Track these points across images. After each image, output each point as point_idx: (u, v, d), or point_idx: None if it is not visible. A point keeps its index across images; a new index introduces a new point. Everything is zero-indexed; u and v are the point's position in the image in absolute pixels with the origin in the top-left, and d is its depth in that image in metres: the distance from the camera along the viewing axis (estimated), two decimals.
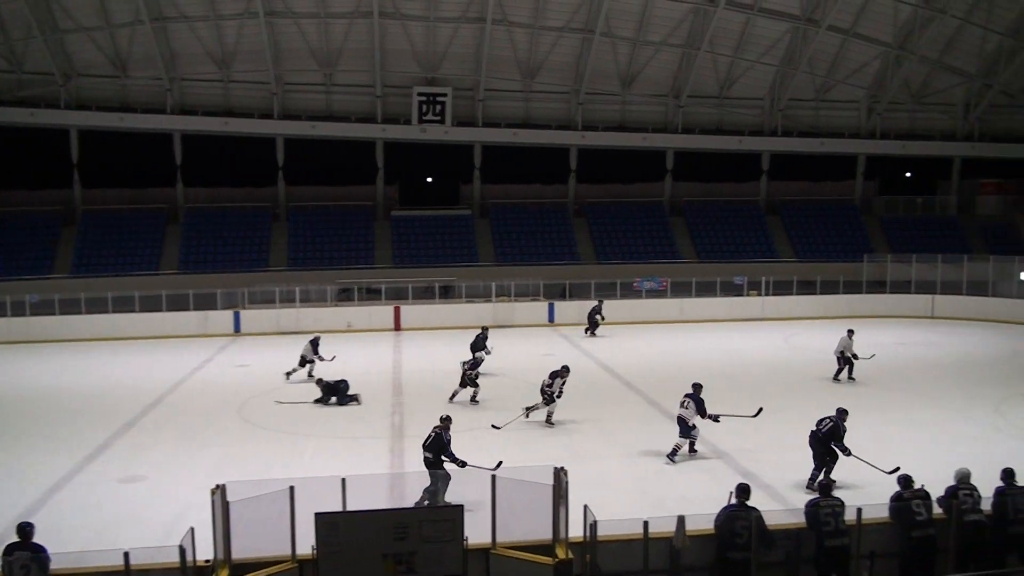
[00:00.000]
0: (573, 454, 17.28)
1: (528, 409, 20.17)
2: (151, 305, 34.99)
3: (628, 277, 39.61)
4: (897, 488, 11.09)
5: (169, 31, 40.82)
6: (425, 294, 38.37)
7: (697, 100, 46.19)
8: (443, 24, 41.70)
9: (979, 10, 42.28)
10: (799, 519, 10.77)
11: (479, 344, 26.74)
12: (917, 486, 11.01)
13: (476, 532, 9.90)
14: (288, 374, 25.79)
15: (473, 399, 22.67)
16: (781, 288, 39.59)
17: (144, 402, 22.97)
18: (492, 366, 26.24)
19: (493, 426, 19.22)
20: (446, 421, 14.79)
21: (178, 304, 35.35)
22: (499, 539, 10.22)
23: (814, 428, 15.53)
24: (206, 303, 35.73)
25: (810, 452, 15.47)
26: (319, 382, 22.70)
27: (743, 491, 10.67)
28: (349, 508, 9.72)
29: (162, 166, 44.04)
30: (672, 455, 17.14)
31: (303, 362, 25.80)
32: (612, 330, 35.05)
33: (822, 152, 47.80)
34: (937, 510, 10.90)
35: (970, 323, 37.13)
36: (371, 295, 38.18)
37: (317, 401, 22.36)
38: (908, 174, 51.11)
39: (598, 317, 34.44)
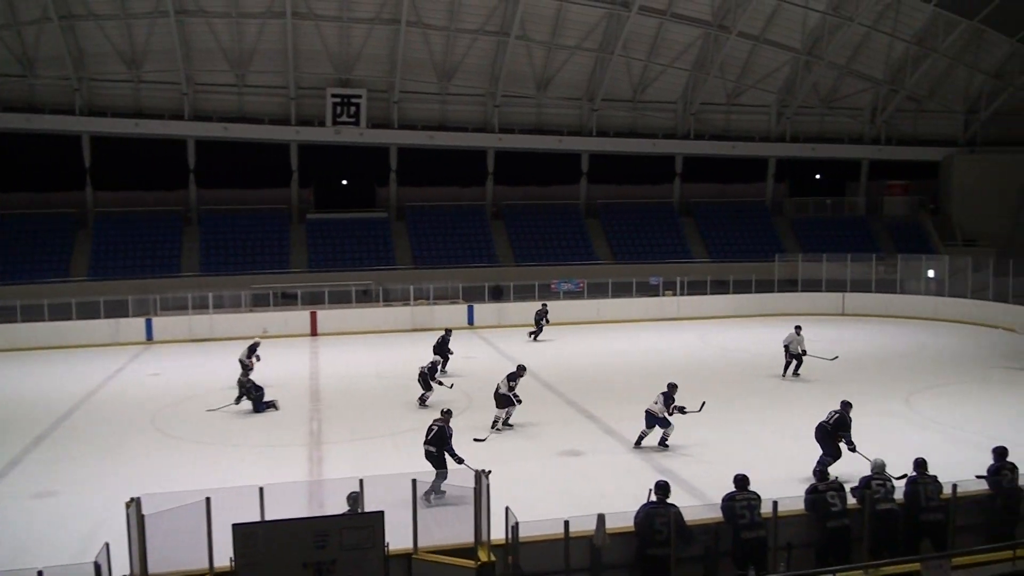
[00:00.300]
0: (494, 456, 17.27)
1: (495, 422, 19.86)
2: (61, 313, 33.92)
3: (546, 279, 39.82)
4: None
5: (77, 29, 39.78)
6: (365, 298, 38.07)
7: (611, 103, 46.69)
8: (357, 25, 41.44)
9: (886, 18, 43.65)
10: (717, 514, 10.97)
11: (442, 346, 26.74)
12: (832, 478, 11.33)
13: (398, 537, 9.86)
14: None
15: (422, 400, 22.50)
16: (695, 288, 40.25)
17: (55, 414, 22.33)
18: (456, 367, 26.81)
19: (475, 439, 18.62)
20: (447, 415, 15.21)
21: (88, 312, 34.26)
22: (421, 544, 10.20)
23: (823, 420, 15.93)
24: (117, 310, 34.72)
25: (733, 448, 15.78)
26: (240, 382, 22.23)
27: (662, 488, 10.82)
28: (267, 517, 9.60)
29: (70, 169, 42.84)
30: (644, 441, 18.05)
31: (244, 368, 25.16)
32: (528, 331, 35.27)
33: (734, 155, 48.75)
34: (851, 500, 11.21)
35: (879, 319, 38.21)
36: (287, 300, 37.64)
37: (237, 400, 21.94)
38: (818, 176, 52.44)
39: (544, 321, 34.08)
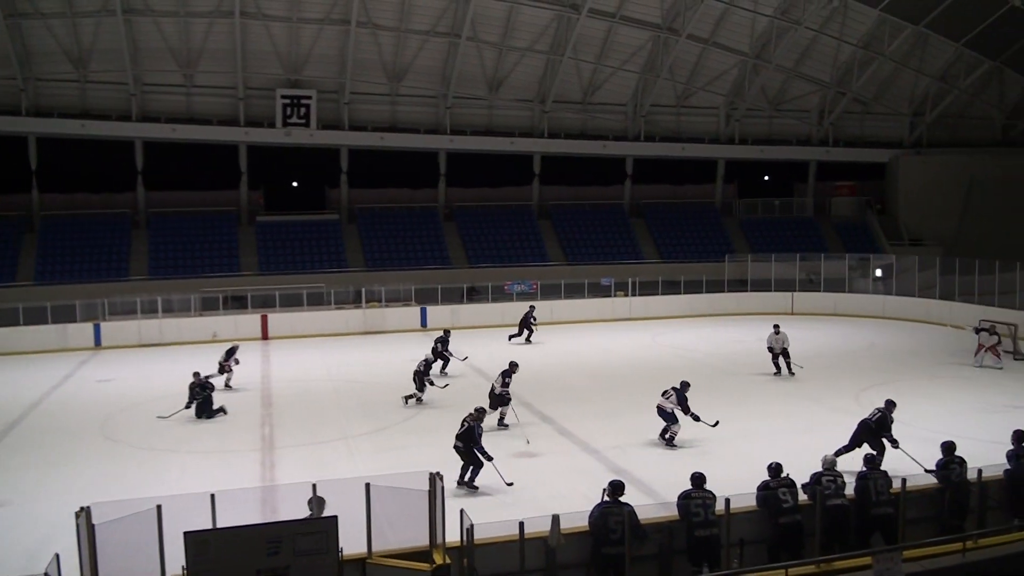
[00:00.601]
0: (446, 458, 17.19)
1: (500, 421, 20.09)
2: (7, 319, 33.14)
3: (499, 280, 39.82)
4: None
5: (24, 28, 38.89)
6: (316, 300, 37.67)
7: (562, 105, 46.82)
8: (306, 25, 41.10)
9: (833, 22, 44.22)
10: (671, 512, 11.02)
11: (441, 347, 26.99)
12: (783, 474, 11.44)
13: (351, 542, 9.77)
14: (226, 385, 25.38)
15: (415, 398, 22.85)
16: (647, 288, 40.50)
17: (2, 422, 21.87)
18: (457, 368, 26.79)
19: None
20: (480, 412, 15.67)
21: (35, 317, 33.49)
22: (375, 548, 10.12)
23: (866, 417, 16.18)
24: (65, 315, 34.03)
25: (686, 447, 15.87)
26: (191, 386, 21.83)
27: (616, 488, 10.86)
28: (220, 524, 9.47)
29: (16, 171, 41.84)
30: (671, 440, 18.30)
31: (221, 370, 25.32)
32: (483, 333, 35.21)
33: (684, 156, 49.08)
34: (802, 496, 11.34)
35: (828, 318, 38.69)
36: (236, 304, 37.21)
37: (188, 405, 21.56)
38: (766, 177, 52.99)
39: (532, 322, 33.61)
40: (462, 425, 15.63)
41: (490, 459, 15.29)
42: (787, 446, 17.57)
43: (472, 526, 10.03)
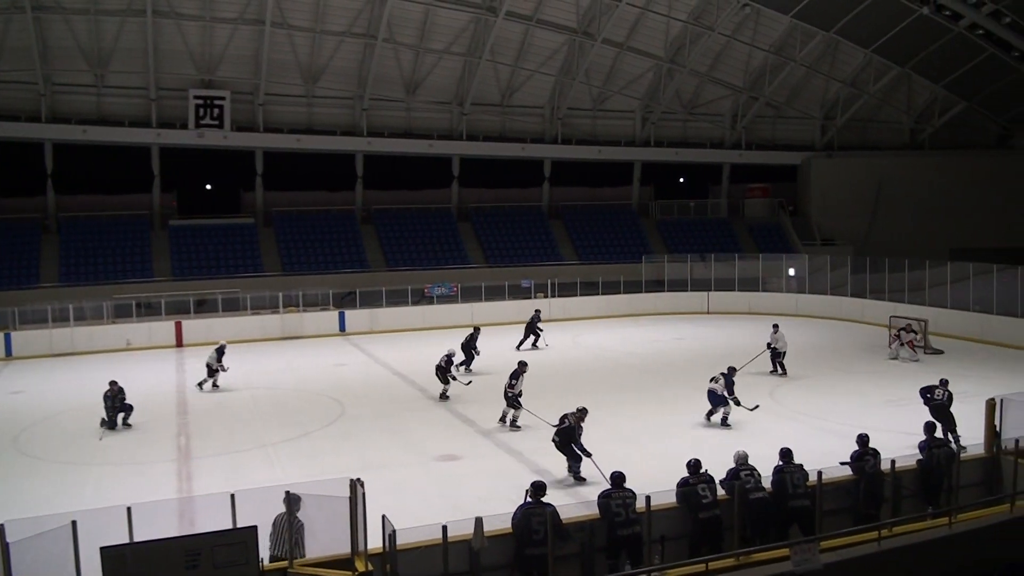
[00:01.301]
0: (368, 464, 17.11)
1: (502, 420, 20.38)
2: None
3: (419, 283, 39.65)
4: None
5: None
6: (232, 306, 36.91)
7: (480, 108, 46.84)
8: (220, 25, 40.35)
9: (745, 28, 45.05)
10: (592, 511, 11.08)
11: (469, 344, 27.53)
12: (702, 471, 11.60)
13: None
14: (200, 385, 25.51)
15: (444, 395, 23.50)
16: (566, 290, 40.75)
17: None
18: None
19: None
20: (582, 413, 15.99)
21: None
22: (296, 557, 9.96)
23: (934, 398, 17.75)
24: None
25: (606, 446, 15.98)
26: (105, 396, 21.12)
27: (538, 488, 10.88)
28: (137, 538, 9.21)
29: None
30: (724, 420, 19.90)
31: (210, 372, 25.43)
32: (404, 336, 35.05)
33: (601, 159, 49.53)
34: (721, 492, 11.51)
35: (743, 317, 39.36)
36: (150, 310, 36.30)
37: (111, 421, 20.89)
38: (681, 179, 53.77)
39: (539, 326, 32.91)
40: (562, 421, 16.02)
41: (588, 455, 15.62)
42: (705, 443, 17.91)
43: (394, 532, 9.94)
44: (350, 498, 10.08)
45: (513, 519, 10.58)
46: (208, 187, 47.01)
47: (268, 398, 24.37)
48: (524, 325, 32.75)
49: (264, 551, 9.59)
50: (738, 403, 19.96)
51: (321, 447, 18.96)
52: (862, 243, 47.56)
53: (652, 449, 18.26)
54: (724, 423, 19.86)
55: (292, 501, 10.24)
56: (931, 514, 11.79)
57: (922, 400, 18.05)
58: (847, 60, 47.50)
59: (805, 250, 46.33)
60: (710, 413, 20.17)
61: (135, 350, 33.40)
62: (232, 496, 9.74)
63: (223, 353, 25.82)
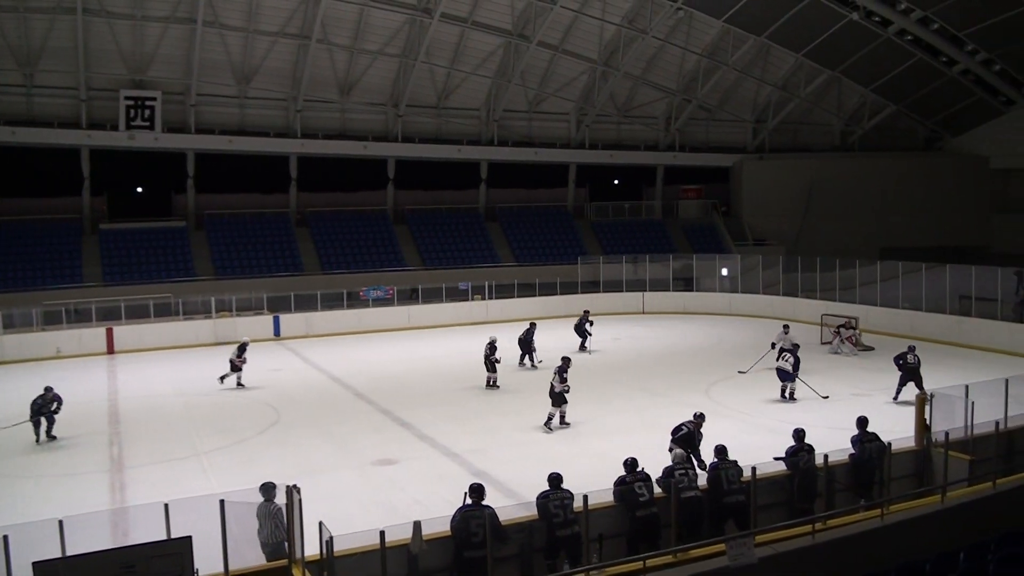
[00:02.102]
0: (304, 470, 16.93)
1: (556, 419, 20.48)
2: None
3: (354, 286, 39.37)
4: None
5: None
6: (164, 311, 36.09)
7: (416, 109, 46.66)
8: (151, 24, 39.52)
9: (678, 32, 45.45)
10: (531, 512, 11.09)
11: (527, 339, 28.44)
12: (639, 469, 11.69)
13: (208, 562, 9.45)
14: (222, 379, 26.17)
15: (491, 384, 24.92)
16: (503, 291, 40.82)
17: None
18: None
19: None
20: (700, 419, 15.71)
21: None
22: (232, 567, 9.82)
23: (908, 363, 21.77)
24: None
25: (543, 447, 16.01)
26: (34, 402, 20.53)
27: (476, 490, 10.84)
28: (70, 552, 9.01)
29: None
30: (792, 396, 22.37)
31: (233, 367, 25.98)
32: (340, 340, 34.82)
33: (536, 161, 49.67)
34: (657, 490, 11.62)
35: (678, 316, 39.80)
36: (80, 316, 35.43)
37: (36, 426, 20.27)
38: (616, 181, 54.24)
39: (587, 327, 32.01)
40: (679, 429, 15.68)
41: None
42: (640, 441, 17.97)
43: (332, 538, 9.85)
44: (286, 505, 9.99)
45: (452, 522, 10.56)
46: (139, 190, 46.19)
47: (202, 405, 24.01)
48: (572, 326, 32.38)
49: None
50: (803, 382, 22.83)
51: (257, 454, 18.75)
52: (793, 243, 48.37)
53: (590, 448, 18.38)
54: (792, 397, 22.32)
55: (267, 489, 10.99)
56: (864, 507, 12.02)
57: (896, 366, 22.13)
58: (778, 64, 48.23)
59: (738, 250, 46.99)
60: (782, 390, 22.60)
61: (65, 358, 32.66)
62: (166, 506, 9.58)
63: (245, 349, 26.46)
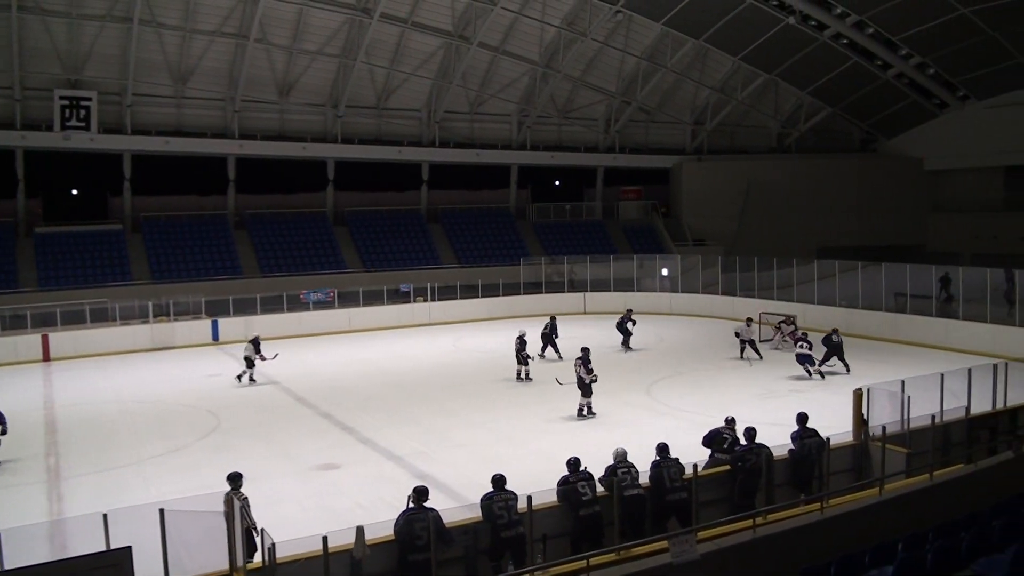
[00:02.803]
0: (245, 476, 16.65)
1: (585, 409, 21.36)
2: None
3: (294, 289, 39.00)
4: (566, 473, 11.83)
5: None
6: (101, 317, 35.32)
7: (356, 110, 46.42)
8: (87, 22, 38.72)
9: (618, 35, 45.80)
10: (475, 514, 11.11)
11: (552, 332, 30.04)
12: (582, 468, 11.77)
13: (148, 573, 9.33)
14: (239, 377, 26.83)
15: (525, 376, 26.09)
16: (446, 293, 40.74)
17: None
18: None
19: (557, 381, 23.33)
20: (731, 423, 14.90)
21: None
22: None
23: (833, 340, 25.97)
24: None
25: (487, 448, 16.06)
26: None
27: (420, 493, 10.83)
28: (7, 566, 8.84)
29: None
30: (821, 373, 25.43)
31: (249, 363, 26.67)
32: (280, 344, 34.47)
33: (478, 162, 49.70)
34: (600, 489, 11.70)
35: (619, 316, 39.92)
36: (15, 323, 34.55)
37: None
38: (557, 183, 54.49)
39: (629, 325, 31.85)
40: (724, 439, 15.40)
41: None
42: (583, 440, 18.20)
43: (274, 545, 9.77)
44: (227, 512, 9.89)
45: (396, 525, 10.53)
46: (75, 192, 45.25)
47: (140, 412, 23.62)
48: (615, 324, 32.38)
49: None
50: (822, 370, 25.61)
51: (196, 461, 18.51)
52: (732, 243, 48.97)
53: (533, 449, 18.46)
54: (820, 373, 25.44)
55: (234, 479, 12.01)
56: (804, 501, 12.23)
57: (823, 342, 26.11)
58: (716, 67, 48.81)
59: (677, 250, 47.50)
60: (809, 372, 25.43)
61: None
62: (105, 516, 9.44)
63: (259, 344, 27.21)
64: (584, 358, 21.69)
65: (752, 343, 28.78)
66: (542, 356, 29.28)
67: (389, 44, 43.89)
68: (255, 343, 27.21)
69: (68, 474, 18.13)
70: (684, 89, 50.35)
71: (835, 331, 26.59)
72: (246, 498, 11.89)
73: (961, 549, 9.10)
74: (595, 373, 21.49)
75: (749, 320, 29.43)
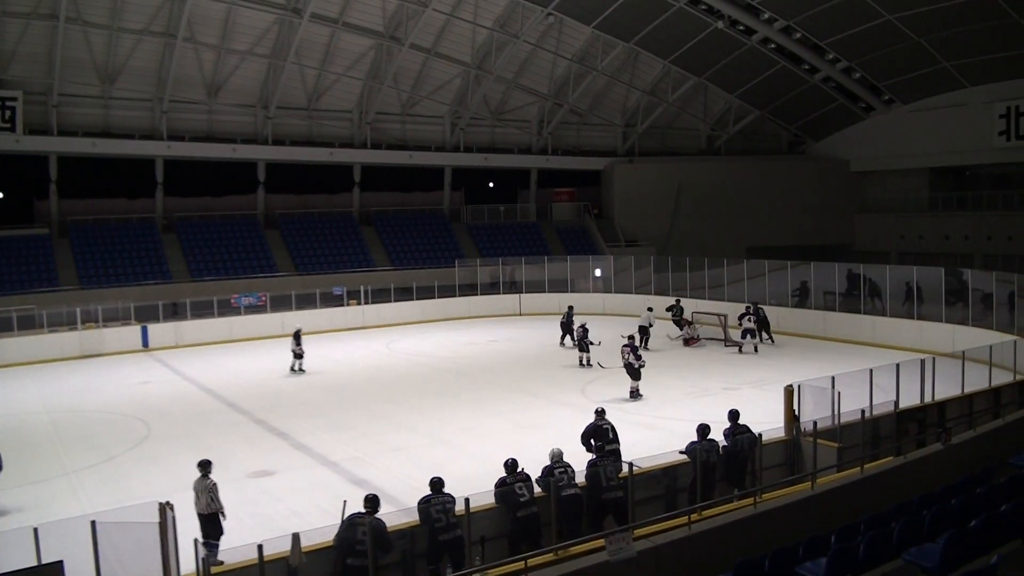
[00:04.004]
0: (177, 486, 16.39)
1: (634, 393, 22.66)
2: None
3: (225, 294, 38.43)
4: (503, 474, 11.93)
5: None
6: (27, 324, 34.53)
7: (287, 111, 45.97)
8: (11, 20, 37.65)
9: (549, 37, 46.03)
10: (412, 518, 11.11)
11: (569, 321, 31.97)
12: (519, 469, 11.85)
13: None
14: (293, 370, 28.70)
15: (585, 363, 27.66)
16: (380, 296, 40.55)
17: None
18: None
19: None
20: (602, 413, 15.57)
21: None
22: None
23: (757, 315, 29.93)
24: None
25: (423, 451, 16.01)
26: None
27: (370, 501, 10.70)
28: None
29: None
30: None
31: (296, 355, 28.55)
32: (211, 350, 34.07)
33: (411, 164, 49.56)
34: (537, 489, 11.82)
35: (554, 317, 39.97)
36: None
37: None
38: (491, 184, 54.52)
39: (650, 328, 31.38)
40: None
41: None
42: (518, 441, 18.26)
43: (208, 555, 9.70)
44: (160, 523, 9.78)
45: (339, 531, 10.50)
46: None
47: (69, 422, 23.09)
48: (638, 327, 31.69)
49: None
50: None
51: (128, 471, 18.17)
52: (664, 244, 49.59)
53: (470, 451, 18.50)
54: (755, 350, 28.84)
55: (204, 465, 13.06)
56: (737, 496, 12.46)
57: (749, 314, 29.71)
58: (647, 70, 49.30)
59: (610, 251, 47.90)
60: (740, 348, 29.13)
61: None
62: (35, 530, 9.27)
63: (300, 337, 28.70)
64: (631, 345, 23.14)
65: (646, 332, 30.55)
66: (562, 344, 31.89)
67: (320, 44, 43.56)
68: (296, 336, 28.76)
69: None
70: (615, 92, 50.79)
71: (757, 306, 30.57)
72: (215, 484, 12.85)
73: (892, 539, 9.38)
74: (644, 359, 23.16)
75: (651, 308, 32.30)
